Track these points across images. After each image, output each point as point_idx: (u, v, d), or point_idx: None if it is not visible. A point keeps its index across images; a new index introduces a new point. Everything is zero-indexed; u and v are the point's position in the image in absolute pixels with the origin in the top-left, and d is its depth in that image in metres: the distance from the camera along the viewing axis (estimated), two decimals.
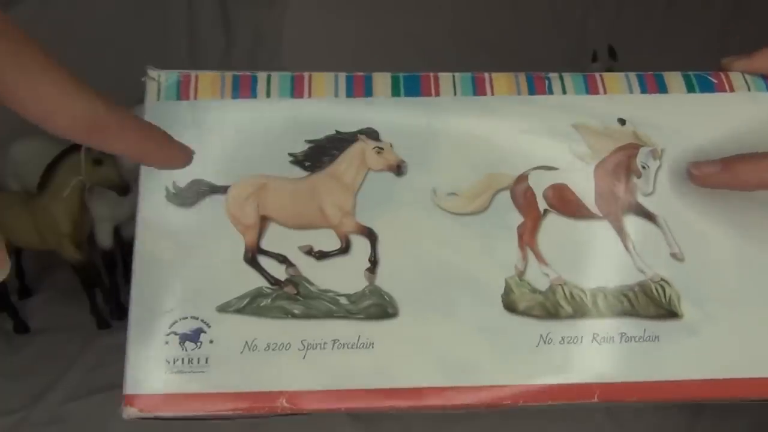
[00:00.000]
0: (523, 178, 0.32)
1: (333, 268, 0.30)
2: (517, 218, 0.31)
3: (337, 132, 0.32)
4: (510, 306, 0.30)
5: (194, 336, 0.29)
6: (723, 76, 0.34)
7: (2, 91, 0.20)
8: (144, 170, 0.31)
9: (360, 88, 0.33)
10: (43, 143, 0.74)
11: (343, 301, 0.30)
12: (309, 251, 0.30)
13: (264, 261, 0.30)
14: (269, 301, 0.30)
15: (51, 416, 0.67)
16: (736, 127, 0.33)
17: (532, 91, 0.33)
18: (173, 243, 0.30)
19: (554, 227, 0.31)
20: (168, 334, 0.29)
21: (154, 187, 0.31)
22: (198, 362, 0.29)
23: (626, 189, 0.32)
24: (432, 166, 0.32)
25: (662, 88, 0.34)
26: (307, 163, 0.31)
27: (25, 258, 0.80)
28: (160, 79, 0.32)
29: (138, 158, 0.25)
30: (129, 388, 0.28)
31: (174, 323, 0.29)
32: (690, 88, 0.34)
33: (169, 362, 0.29)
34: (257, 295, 0.30)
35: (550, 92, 0.33)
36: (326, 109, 0.32)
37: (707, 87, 0.34)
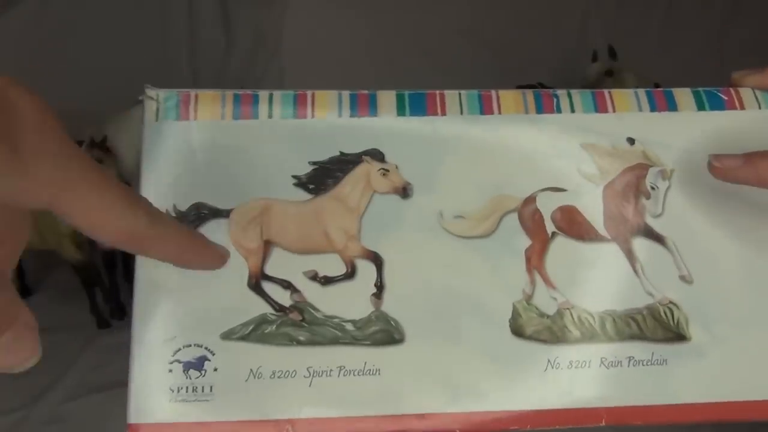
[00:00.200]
0: (530, 200, 0.31)
1: (338, 294, 0.30)
2: (525, 241, 0.31)
3: (342, 153, 0.31)
4: (517, 330, 0.30)
5: (198, 364, 0.29)
6: (733, 93, 0.34)
7: (51, 203, 0.20)
8: (144, 191, 0.30)
9: (364, 107, 0.32)
10: None
11: (349, 327, 0.29)
12: (314, 276, 0.30)
13: (268, 287, 0.30)
14: (274, 327, 0.29)
15: (51, 415, 0.67)
16: (746, 146, 0.32)
17: (539, 109, 0.33)
18: (175, 269, 0.29)
19: (562, 250, 0.31)
20: (171, 362, 0.29)
21: None
22: (202, 390, 0.28)
23: (635, 210, 0.32)
24: (438, 188, 0.31)
25: (672, 106, 0.33)
26: (311, 186, 0.31)
27: (25, 258, 0.80)
28: (158, 99, 0.32)
29: (177, 264, 0.26)
30: (133, 418, 0.28)
31: (177, 351, 0.29)
32: (700, 106, 0.33)
33: (173, 391, 0.28)
34: (262, 321, 0.29)
35: (558, 110, 0.33)
36: (330, 129, 0.32)
37: (717, 104, 0.33)
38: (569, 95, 0.33)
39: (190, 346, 0.29)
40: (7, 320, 0.20)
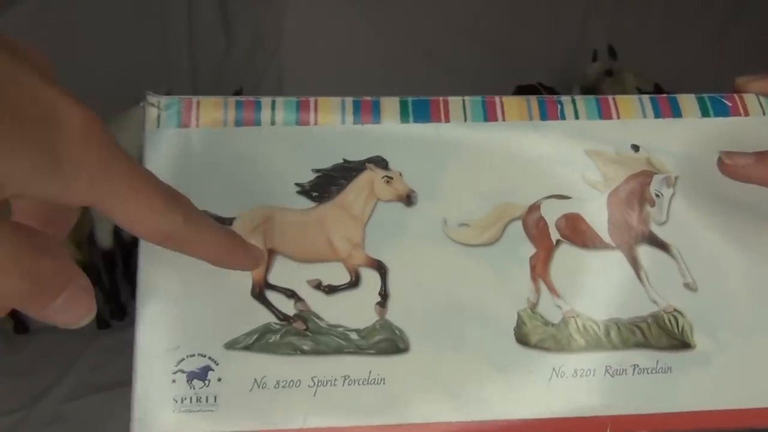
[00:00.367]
0: (535, 207, 0.31)
1: (343, 303, 0.30)
2: (530, 249, 0.31)
3: (345, 161, 0.31)
4: (522, 339, 0.30)
5: (202, 374, 0.28)
6: (737, 99, 0.34)
7: (93, 204, 0.21)
8: None
9: (368, 114, 0.32)
10: None
11: (354, 336, 0.29)
12: (318, 285, 0.30)
13: (272, 296, 0.30)
14: (278, 337, 0.29)
15: (51, 416, 0.67)
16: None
17: (544, 116, 0.32)
18: (178, 278, 0.29)
19: (567, 258, 0.31)
20: (175, 372, 0.28)
21: None
22: (206, 401, 0.28)
23: (639, 218, 0.32)
24: (442, 196, 0.31)
25: (676, 112, 0.33)
26: (314, 194, 0.31)
27: None
28: (159, 106, 0.31)
29: (213, 264, 0.26)
30: (136, 429, 0.28)
31: (181, 361, 0.29)
32: (704, 112, 0.33)
33: (176, 401, 0.28)
34: (266, 331, 0.29)
35: (563, 117, 0.33)
36: (333, 136, 0.31)
37: (721, 111, 0.33)
38: (573, 102, 0.33)
39: (193, 356, 0.29)
40: (62, 283, 0.21)
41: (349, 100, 0.32)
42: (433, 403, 0.29)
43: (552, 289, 0.30)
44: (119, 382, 0.68)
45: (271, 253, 0.30)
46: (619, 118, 0.33)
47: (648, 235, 0.31)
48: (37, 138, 0.20)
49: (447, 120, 0.32)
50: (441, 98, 0.33)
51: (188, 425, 0.28)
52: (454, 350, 0.29)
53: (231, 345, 0.29)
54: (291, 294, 0.30)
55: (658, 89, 0.87)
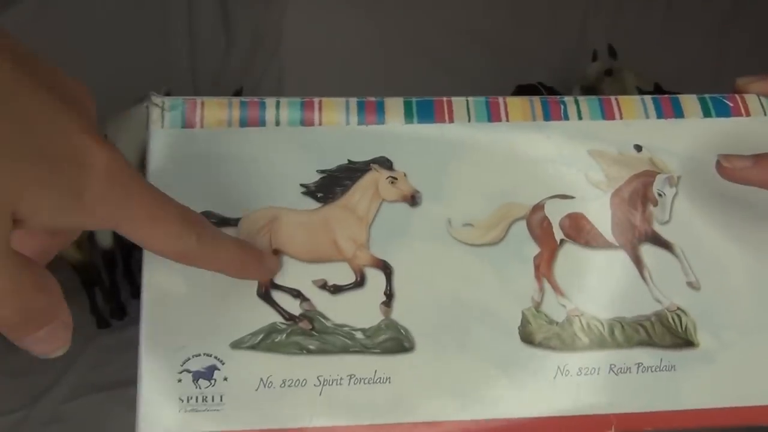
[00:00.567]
0: (539, 207, 0.31)
1: (348, 303, 0.30)
2: (534, 249, 0.31)
3: (350, 161, 0.31)
4: (527, 338, 0.30)
5: (208, 373, 0.29)
6: (739, 99, 0.34)
7: (109, 227, 0.23)
8: None
9: (372, 115, 0.32)
10: None
11: (359, 335, 0.29)
12: (323, 285, 0.30)
13: (278, 296, 0.30)
14: (284, 336, 0.29)
15: (51, 415, 0.67)
16: (752, 152, 0.32)
17: (547, 116, 0.33)
18: (183, 277, 0.29)
19: (571, 257, 0.31)
20: (181, 372, 0.29)
21: None
22: (212, 400, 0.28)
23: (642, 217, 0.32)
24: (447, 196, 0.31)
25: (678, 113, 0.33)
26: (319, 194, 0.31)
27: None
28: (164, 106, 0.31)
29: (228, 276, 0.28)
30: (142, 428, 0.28)
31: (187, 360, 0.29)
32: (706, 113, 0.33)
33: (182, 400, 0.28)
34: (271, 330, 0.29)
35: (566, 117, 0.33)
36: (338, 137, 0.32)
37: (723, 111, 0.33)
38: (576, 102, 0.33)
39: (199, 355, 0.29)
40: (49, 319, 0.22)
41: (353, 100, 0.32)
42: (438, 402, 0.29)
43: (556, 288, 0.31)
44: (119, 381, 0.68)
45: (277, 253, 0.30)
46: (621, 118, 0.33)
47: (651, 235, 0.31)
48: (65, 179, 0.21)
49: (451, 120, 0.32)
50: (445, 99, 0.33)
51: (194, 424, 0.28)
52: (459, 349, 0.30)
53: (237, 344, 0.29)
54: (297, 294, 0.30)
55: (658, 89, 0.87)
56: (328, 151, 0.31)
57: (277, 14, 0.96)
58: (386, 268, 0.30)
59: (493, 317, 0.30)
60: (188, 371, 0.29)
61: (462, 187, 0.31)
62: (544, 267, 0.31)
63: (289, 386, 0.29)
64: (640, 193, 0.32)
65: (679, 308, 0.31)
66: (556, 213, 0.31)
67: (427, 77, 0.93)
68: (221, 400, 0.28)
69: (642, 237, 0.31)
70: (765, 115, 0.33)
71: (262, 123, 0.32)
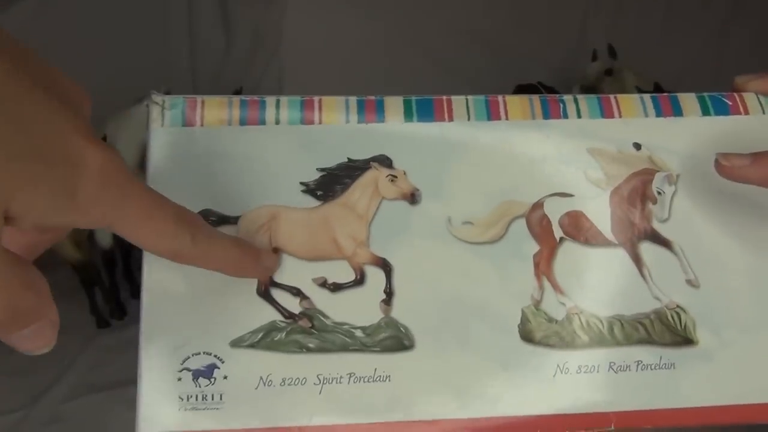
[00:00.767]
0: (538, 205, 0.32)
1: (348, 301, 0.30)
2: (533, 247, 0.31)
3: (350, 160, 0.31)
4: (526, 336, 0.30)
5: (208, 372, 0.29)
6: (737, 98, 0.34)
7: (104, 226, 0.23)
8: None
9: (372, 113, 0.32)
10: None
11: (359, 333, 0.29)
12: (323, 283, 0.30)
13: (277, 294, 0.30)
14: (284, 335, 0.29)
15: (51, 415, 0.67)
16: (750, 150, 0.32)
17: (546, 115, 0.33)
18: (183, 276, 0.29)
19: (570, 255, 0.31)
20: (181, 371, 0.29)
21: None
22: (212, 399, 0.28)
23: (642, 215, 0.32)
24: (446, 194, 0.31)
25: (677, 111, 0.33)
26: (319, 193, 0.31)
27: None
28: (164, 105, 0.31)
29: (225, 274, 0.28)
30: (142, 427, 0.28)
31: (186, 359, 0.29)
32: (705, 111, 0.33)
33: (182, 399, 0.28)
34: (271, 329, 0.29)
35: (565, 116, 0.33)
36: (337, 135, 0.32)
37: (722, 110, 0.33)
38: (575, 101, 0.33)
39: (199, 354, 0.29)
40: (36, 317, 0.22)
41: (353, 99, 0.32)
42: (438, 400, 0.29)
43: (556, 286, 0.31)
44: (119, 381, 0.68)
45: (277, 251, 0.30)
46: (620, 116, 0.33)
47: (650, 232, 0.32)
48: (59, 178, 0.21)
49: (451, 119, 0.32)
50: (444, 97, 0.33)
51: (194, 423, 0.28)
52: (459, 347, 0.30)
53: (237, 343, 0.29)
54: (296, 292, 0.30)
55: (657, 88, 0.87)
56: (328, 150, 0.31)
57: (277, 14, 0.96)
58: (386, 266, 0.30)
59: (493, 315, 0.30)
60: (188, 370, 0.29)
61: (462, 185, 0.31)
62: (543, 265, 0.31)
63: (288, 385, 0.29)
64: (639, 191, 0.32)
65: (678, 306, 0.31)
66: (555, 211, 0.32)
67: (427, 77, 0.93)
68: (221, 398, 0.28)
69: (641, 235, 0.32)
70: (763, 113, 0.34)
71: (262, 121, 0.32)
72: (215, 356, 0.29)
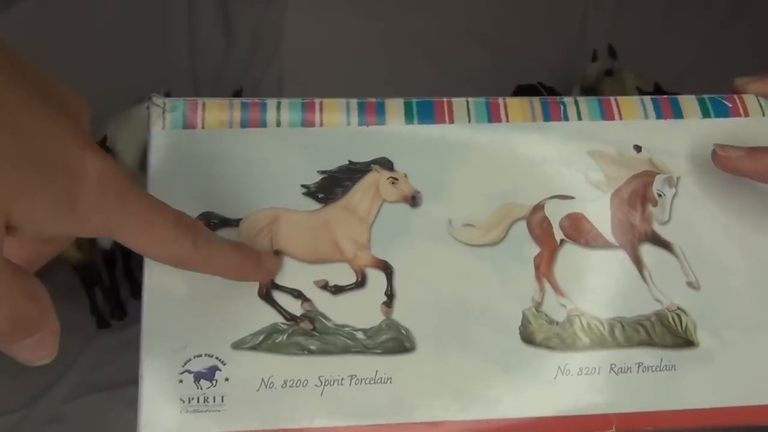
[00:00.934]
0: (539, 207, 0.32)
1: (349, 303, 0.30)
2: (534, 249, 0.31)
3: (350, 162, 0.31)
4: (527, 338, 0.30)
5: (209, 374, 0.29)
6: (737, 100, 0.34)
7: (104, 234, 0.23)
8: None
9: (372, 116, 0.32)
10: None
11: (360, 336, 0.30)
12: (324, 286, 0.30)
13: (279, 296, 0.30)
14: (285, 337, 0.29)
15: (51, 415, 0.67)
16: None
17: (547, 117, 0.33)
18: (184, 278, 0.29)
19: (571, 257, 0.31)
20: (182, 373, 0.29)
21: None
22: (214, 401, 0.28)
23: (642, 218, 0.32)
24: (447, 197, 0.31)
25: (677, 113, 0.33)
26: (320, 195, 0.31)
27: None
28: (165, 107, 0.31)
29: (226, 279, 0.28)
30: (143, 429, 0.28)
31: (188, 361, 0.29)
32: (705, 113, 0.33)
33: (183, 401, 0.28)
34: (273, 331, 0.29)
35: (566, 118, 0.33)
36: (338, 137, 0.32)
37: (722, 112, 0.34)
38: (576, 103, 0.33)
39: (200, 356, 0.29)
40: (38, 328, 0.22)
41: (353, 101, 0.32)
42: (439, 402, 0.29)
43: (556, 288, 0.31)
44: (119, 381, 0.68)
45: (278, 253, 0.30)
46: (621, 119, 0.33)
47: (651, 235, 0.32)
48: (59, 187, 0.21)
49: (451, 121, 0.32)
50: (445, 99, 0.33)
51: (195, 425, 0.28)
52: (460, 349, 0.30)
53: (238, 345, 0.29)
54: (298, 294, 0.30)
55: (658, 89, 0.87)
56: (329, 152, 0.31)
57: (277, 14, 0.95)
58: (387, 269, 0.30)
59: (494, 317, 0.30)
60: (189, 372, 0.29)
61: (462, 187, 0.31)
62: (544, 267, 0.31)
63: (290, 387, 0.29)
64: (639, 193, 0.32)
65: (679, 308, 0.31)
66: (556, 213, 0.32)
67: (426, 77, 0.93)
68: (222, 400, 0.29)
69: (642, 237, 0.32)
70: (763, 115, 0.34)
71: (263, 124, 0.32)
72: (217, 358, 0.29)
